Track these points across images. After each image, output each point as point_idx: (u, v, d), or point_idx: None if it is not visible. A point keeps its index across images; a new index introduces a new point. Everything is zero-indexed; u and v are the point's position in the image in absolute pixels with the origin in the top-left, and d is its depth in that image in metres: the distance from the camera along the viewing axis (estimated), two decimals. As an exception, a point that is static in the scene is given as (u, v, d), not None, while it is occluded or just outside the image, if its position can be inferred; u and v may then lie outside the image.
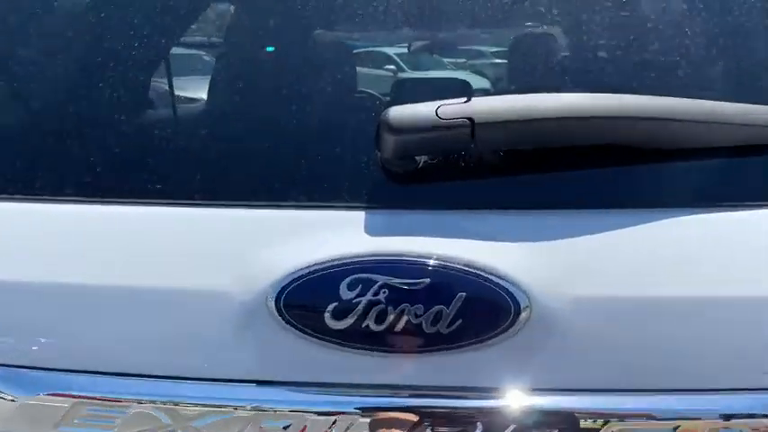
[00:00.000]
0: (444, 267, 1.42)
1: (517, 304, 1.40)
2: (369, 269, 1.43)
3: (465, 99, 1.44)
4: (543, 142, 1.45)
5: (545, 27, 2.02)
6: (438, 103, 1.42)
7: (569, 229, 1.46)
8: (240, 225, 1.52)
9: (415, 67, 4.98)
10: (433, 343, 1.42)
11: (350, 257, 1.43)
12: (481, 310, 1.42)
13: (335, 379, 1.46)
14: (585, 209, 1.48)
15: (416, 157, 1.49)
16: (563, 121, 1.40)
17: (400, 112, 1.42)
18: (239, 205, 1.52)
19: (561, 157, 1.47)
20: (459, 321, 1.40)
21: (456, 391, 1.44)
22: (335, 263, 1.44)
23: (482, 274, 1.41)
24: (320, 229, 1.48)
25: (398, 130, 1.41)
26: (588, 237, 1.45)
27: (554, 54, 1.98)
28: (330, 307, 1.43)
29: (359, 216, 1.48)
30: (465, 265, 1.42)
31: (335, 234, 1.47)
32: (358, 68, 2.25)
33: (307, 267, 1.44)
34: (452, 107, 1.43)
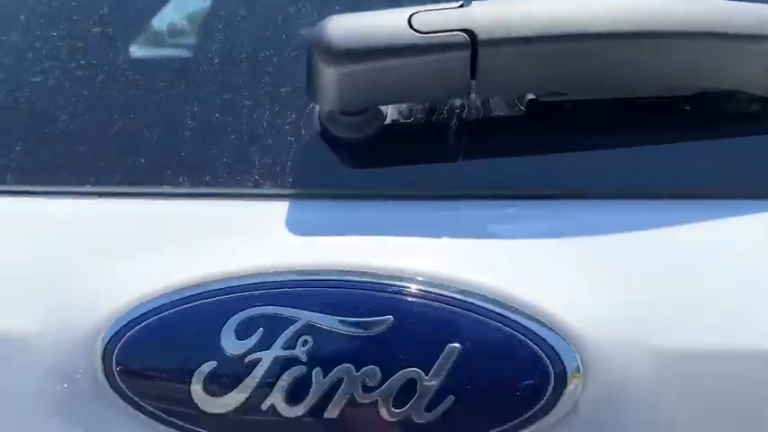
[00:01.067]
0: (422, 296, 0.73)
1: (560, 367, 0.72)
2: (277, 298, 0.75)
3: (459, 2, 0.78)
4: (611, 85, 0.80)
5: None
6: (410, 9, 0.76)
7: (643, 228, 0.79)
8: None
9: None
10: (398, 443, 0.74)
11: (241, 278, 0.76)
12: (490, 379, 0.73)
13: None
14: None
15: (377, 111, 0.84)
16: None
17: (346, 26, 0.76)
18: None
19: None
20: (450, 401, 0.72)
21: None
22: (213, 288, 0.76)
23: (494, 310, 0.73)
24: (188, 231, 0.81)
25: (345, 54, 0.74)
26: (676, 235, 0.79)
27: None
28: (202, 372, 0.74)
29: (261, 209, 0.83)
30: (460, 294, 0.73)
31: (216, 238, 0.80)
32: None
33: (158, 298, 0.77)
34: (437, 14, 0.76)
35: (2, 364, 0.80)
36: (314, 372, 0.74)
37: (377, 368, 0.73)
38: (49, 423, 0.80)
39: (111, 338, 0.77)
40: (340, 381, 0.73)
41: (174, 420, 0.76)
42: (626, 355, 0.75)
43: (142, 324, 0.76)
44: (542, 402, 0.73)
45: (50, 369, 0.79)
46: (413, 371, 0.73)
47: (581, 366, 0.74)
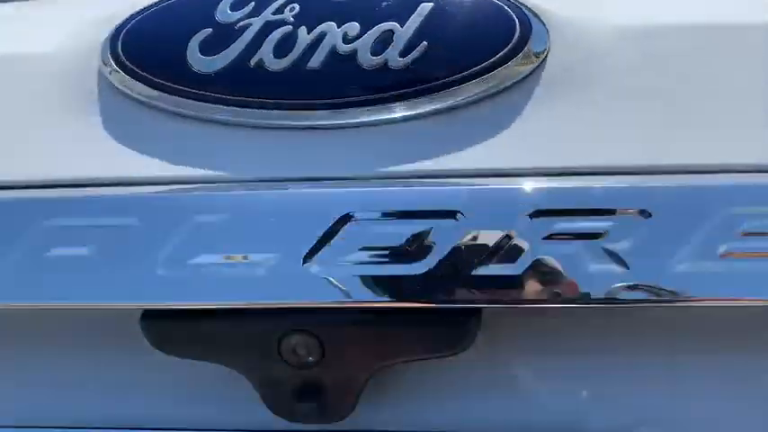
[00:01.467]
0: None
1: (526, 27, 0.79)
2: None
3: None
4: None
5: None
6: None
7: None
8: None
9: None
10: (378, 87, 0.79)
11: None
12: (461, 30, 0.80)
13: (198, 168, 0.82)
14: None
15: None
16: None
17: None
18: None
19: None
20: (422, 48, 0.79)
21: (428, 177, 0.80)
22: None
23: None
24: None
25: None
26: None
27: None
28: (197, 38, 0.82)
29: None
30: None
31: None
32: None
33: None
34: None
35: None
36: (299, 30, 0.81)
37: (356, 23, 0.80)
38: (65, 117, 0.85)
39: (116, 28, 0.85)
40: (323, 35, 0.80)
41: (170, 84, 0.82)
42: (591, 30, 0.81)
43: (144, 14, 0.85)
44: (507, 50, 0.79)
45: (59, 72, 0.86)
46: (389, 24, 0.80)
47: (547, 27, 0.80)
